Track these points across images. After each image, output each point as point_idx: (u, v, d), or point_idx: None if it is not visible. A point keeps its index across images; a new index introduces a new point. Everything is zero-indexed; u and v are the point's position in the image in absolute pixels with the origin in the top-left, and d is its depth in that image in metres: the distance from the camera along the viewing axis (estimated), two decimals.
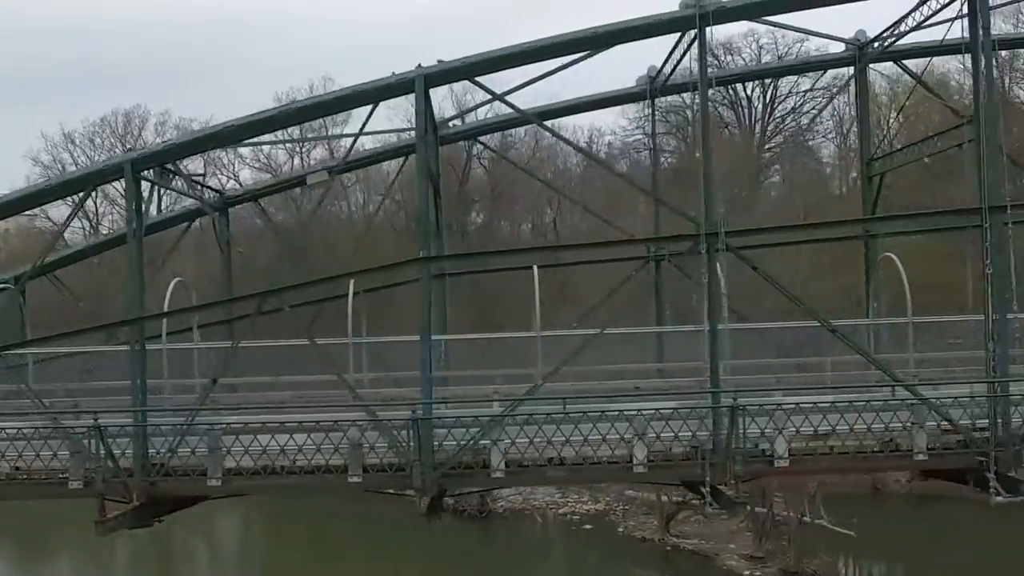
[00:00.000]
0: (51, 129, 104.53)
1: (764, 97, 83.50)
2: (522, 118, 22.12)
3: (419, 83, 16.14)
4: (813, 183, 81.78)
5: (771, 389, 17.55)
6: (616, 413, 16.41)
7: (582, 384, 18.50)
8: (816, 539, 43.66)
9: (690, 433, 16.45)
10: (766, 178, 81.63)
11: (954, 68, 46.77)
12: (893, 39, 21.22)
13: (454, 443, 16.75)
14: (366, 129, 16.97)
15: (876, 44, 21.82)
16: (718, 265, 16.70)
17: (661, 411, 16.26)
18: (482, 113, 39.29)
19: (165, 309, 19.34)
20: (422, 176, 16.62)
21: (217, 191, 23.63)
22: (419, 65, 16.31)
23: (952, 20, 17.66)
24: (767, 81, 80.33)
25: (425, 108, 16.38)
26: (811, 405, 16.47)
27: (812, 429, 16.53)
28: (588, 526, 47.12)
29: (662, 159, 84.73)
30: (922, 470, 17.75)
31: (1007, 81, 58.77)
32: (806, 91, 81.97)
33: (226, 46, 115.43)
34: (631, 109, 72.53)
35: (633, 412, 16.23)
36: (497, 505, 49.36)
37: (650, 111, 26.14)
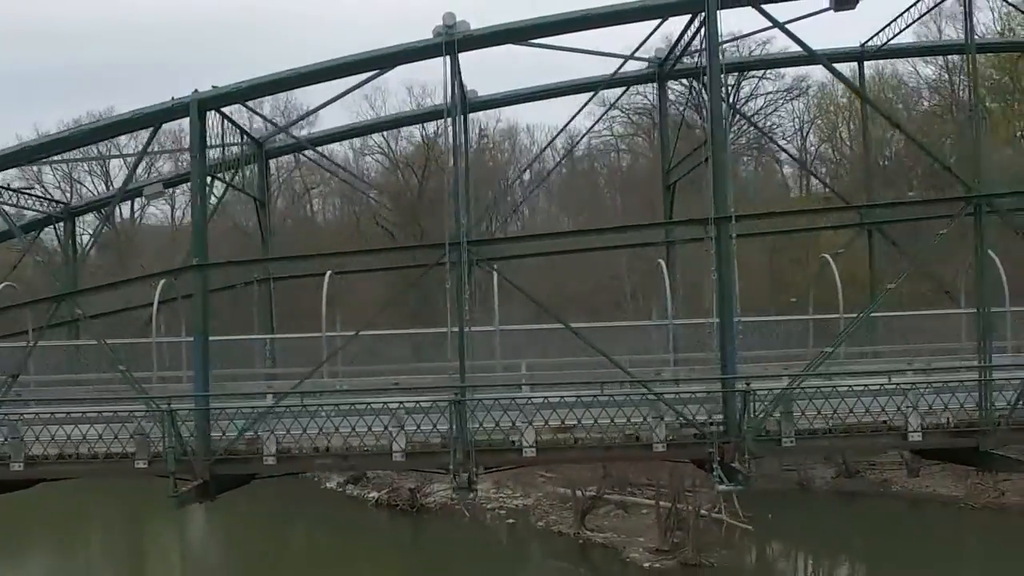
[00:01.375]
0: (26, 132, 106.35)
1: (728, 99, 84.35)
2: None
3: (193, 108, 17.76)
4: (777, 184, 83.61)
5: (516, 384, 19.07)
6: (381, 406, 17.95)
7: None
8: (732, 534, 45.23)
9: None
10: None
11: None
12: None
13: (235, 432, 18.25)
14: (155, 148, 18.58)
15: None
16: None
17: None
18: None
19: None
20: (200, 188, 18.05)
21: (61, 202, 25.24)
22: (195, 91, 17.92)
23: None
24: (731, 83, 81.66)
25: (201, 130, 17.93)
26: (558, 399, 17.97)
27: (559, 421, 18.02)
28: (511, 520, 48.66)
29: (624, 161, 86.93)
30: (662, 459, 19.12)
31: None
32: (767, 93, 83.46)
33: (225, 45, 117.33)
34: (598, 111, 74.40)
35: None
36: (429, 500, 50.91)
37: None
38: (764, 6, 18.15)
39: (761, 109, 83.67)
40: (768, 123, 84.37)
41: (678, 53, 21.98)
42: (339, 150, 75.70)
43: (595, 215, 72.47)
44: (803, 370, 18.50)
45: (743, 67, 41.19)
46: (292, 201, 74.54)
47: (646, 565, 41.19)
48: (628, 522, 46.03)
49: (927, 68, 66.84)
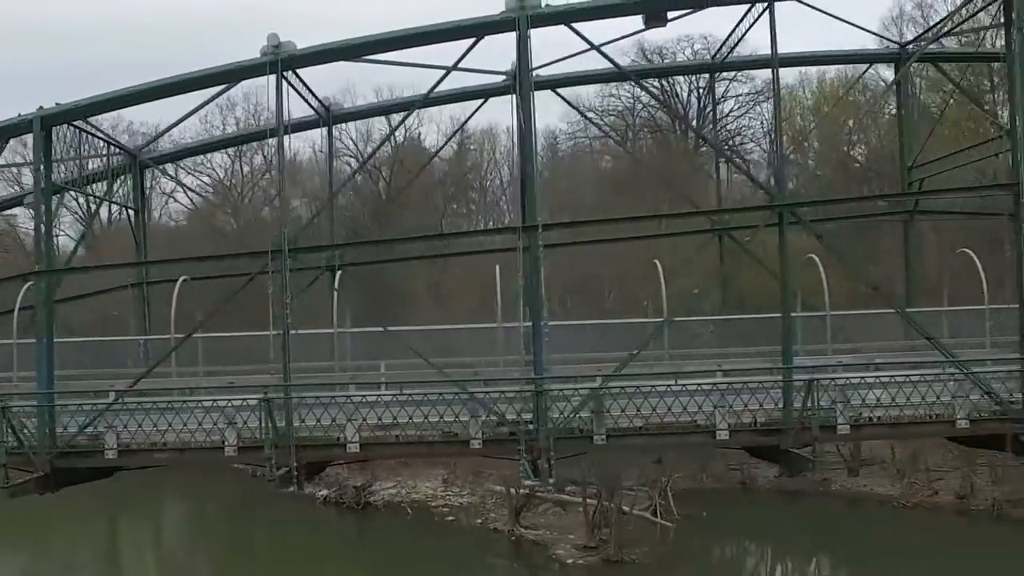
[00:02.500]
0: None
1: (699, 102, 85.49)
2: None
3: (36, 123, 18.91)
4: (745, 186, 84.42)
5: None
6: None
7: None
8: (667, 532, 46.14)
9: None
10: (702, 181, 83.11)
11: None
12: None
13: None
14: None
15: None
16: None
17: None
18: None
19: None
20: (45, 200, 19.21)
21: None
22: (40, 107, 19.06)
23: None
24: (702, 85, 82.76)
25: (46, 145, 19.07)
26: (376, 398, 19.04)
27: (378, 419, 19.09)
28: (451, 518, 49.70)
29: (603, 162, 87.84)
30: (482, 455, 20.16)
31: None
32: (737, 96, 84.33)
33: (225, 45, 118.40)
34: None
35: None
36: (375, 498, 52.05)
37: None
38: (575, 24, 19.17)
39: (731, 111, 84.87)
40: (738, 125, 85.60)
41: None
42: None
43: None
44: (614, 371, 19.44)
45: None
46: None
47: (569, 561, 42.18)
48: (564, 519, 46.93)
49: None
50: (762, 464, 55.31)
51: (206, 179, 78.21)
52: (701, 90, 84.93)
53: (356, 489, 51.58)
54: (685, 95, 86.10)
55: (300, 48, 19.19)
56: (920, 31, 22.67)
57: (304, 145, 75.58)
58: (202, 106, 21.02)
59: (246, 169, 79.19)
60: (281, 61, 18.88)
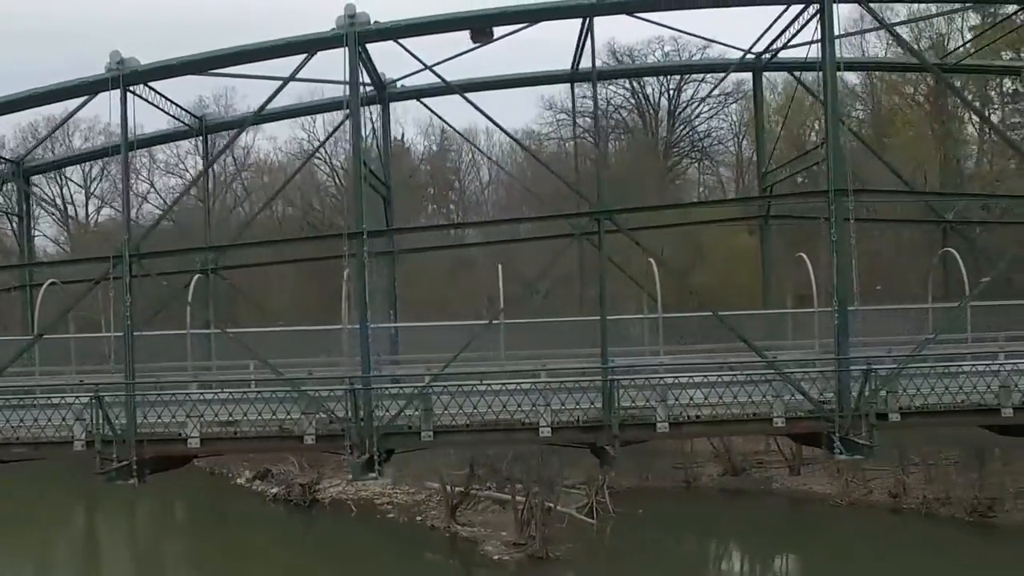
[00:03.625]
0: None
1: (669, 104, 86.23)
2: None
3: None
4: (713, 188, 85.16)
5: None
6: None
7: None
8: (604, 531, 47.12)
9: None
10: (671, 181, 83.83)
11: None
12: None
13: None
14: None
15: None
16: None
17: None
18: None
19: None
20: None
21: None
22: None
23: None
24: (671, 87, 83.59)
25: None
26: (213, 396, 20.04)
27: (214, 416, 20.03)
28: (392, 515, 50.73)
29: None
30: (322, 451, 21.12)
31: None
32: (703, 98, 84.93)
33: (225, 43, 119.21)
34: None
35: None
36: (322, 495, 53.13)
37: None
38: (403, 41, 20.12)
39: (700, 112, 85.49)
40: (707, 126, 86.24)
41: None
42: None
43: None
44: (442, 369, 20.31)
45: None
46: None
47: (495, 558, 43.15)
48: (500, 517, 47.83)
49: None
50: (707, 463, 56.50)
51: None
52: (671, 91, 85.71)
53: (302, 487, 52.61)
54: (656, 97, 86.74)
55: (145, 64, 20.15)
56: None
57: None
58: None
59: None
60: (124, 76, 19.87)
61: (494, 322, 21.24)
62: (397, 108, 25.68)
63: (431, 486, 50.48)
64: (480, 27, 20.32)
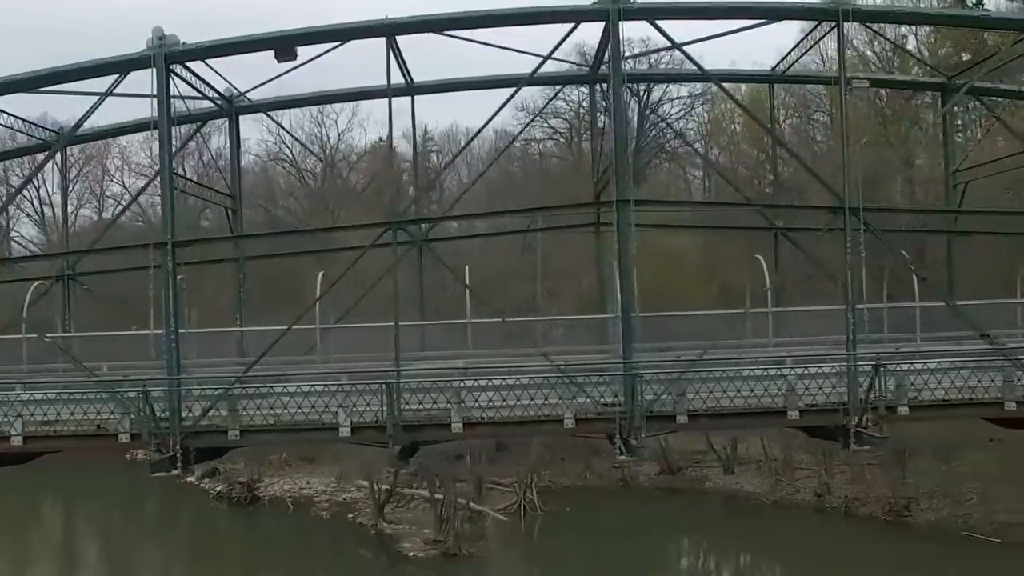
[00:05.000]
0: None
1: (640, 104, 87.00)
2: None
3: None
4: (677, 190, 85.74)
5: None
6: None
7: None
8: (531, 530, 48.06)
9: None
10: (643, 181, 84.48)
11: None
12: None
13: None
14: None
15: None
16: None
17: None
18: None
19: None
20: None
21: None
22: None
23: None
24: (642, 87, 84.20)
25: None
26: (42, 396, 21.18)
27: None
28: (325, 513, 51.89)
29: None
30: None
31: None
32: (673, 99, 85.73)
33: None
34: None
35: None
36: (263, 494, 54.39)
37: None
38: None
39: (671, 114, 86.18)
40: (678, 127, 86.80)
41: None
42: None
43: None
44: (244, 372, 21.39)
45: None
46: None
47: (411, 555, 44.17)
48: (429, 515, 48.80)
49: None
50: (643, 462, 57.23)
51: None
52: (641, 93, 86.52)
53: (241, 484, 53.88)
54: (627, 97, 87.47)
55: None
56: None
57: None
58: None
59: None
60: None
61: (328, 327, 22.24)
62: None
63: (360, 484, 51.58)
64: (283, 47, 21.33)
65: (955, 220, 26.28)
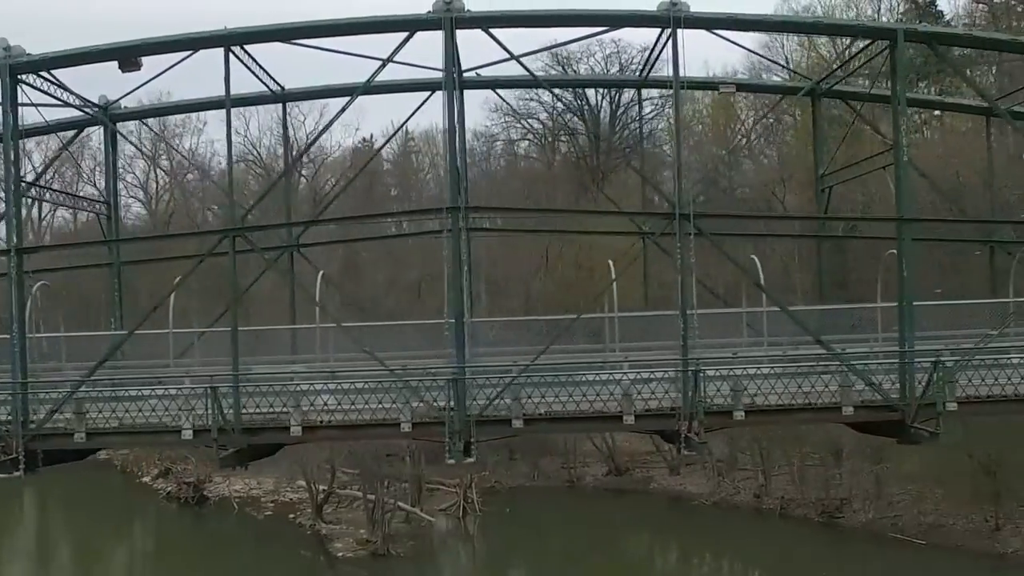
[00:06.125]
0: None
1: (611, 106, 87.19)
2: None
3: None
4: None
5: None
6: None
7: None
8: (472, 531, 48.42)
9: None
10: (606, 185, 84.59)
11: None
12: None
13: None
14: None
15: None
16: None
17: None
18: None
19: None
20: None
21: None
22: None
23: None
24: (612, 91, 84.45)
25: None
26: None
27: None
28: (269, 513, 52.41)
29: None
30: None
31: None
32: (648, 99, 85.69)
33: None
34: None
35: None
36: (211, 494, 54.95)
37: None
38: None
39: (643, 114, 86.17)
40: (648, 128, 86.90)
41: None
42: None
43: None
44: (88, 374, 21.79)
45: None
46: None
47: (340, 555, 44.64)
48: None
49: None
50: (592, 463, 57.66)
51: None
52: (613, 96, 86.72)
53: (187, 485, 54.47)
54: (598, 101, 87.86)
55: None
56: None
57: None
58: None
59: None
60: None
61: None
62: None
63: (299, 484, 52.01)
64: (126, 57, 21.73)
65: (823, 225, 26.46)
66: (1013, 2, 58.73)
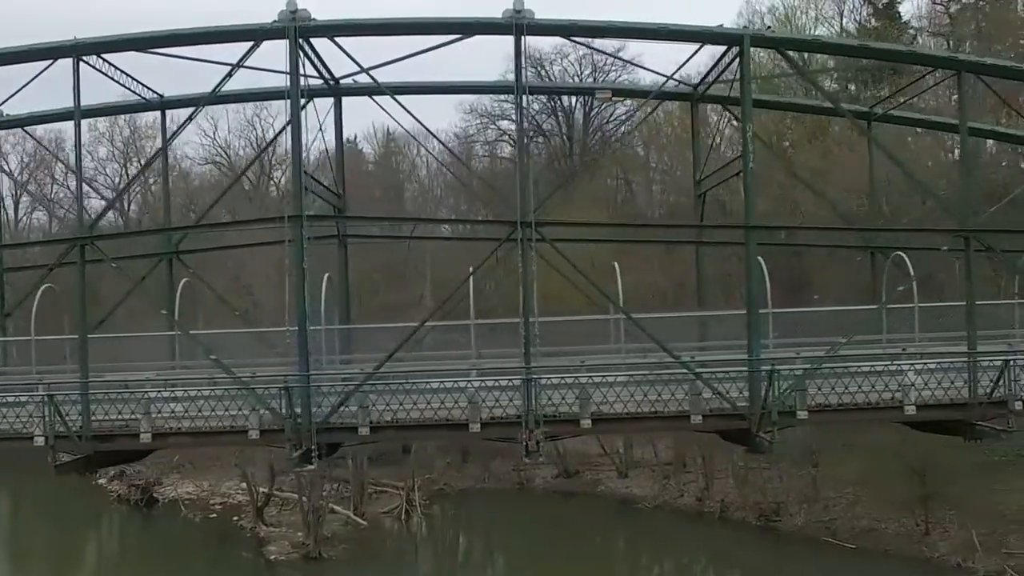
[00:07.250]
0: None
1: (584, 108, 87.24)
2: None
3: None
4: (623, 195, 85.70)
5: None
6: None
7: None
8: (411, 529, 48.52)
9: None
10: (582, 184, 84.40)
11: None
12: None
13: None
14: None
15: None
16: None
17: None
18: None
19: None
20: None
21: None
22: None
23: None
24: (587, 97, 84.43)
25: None
26: None
27: None
28: (214, 515, 52.60)
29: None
30: None
31: None
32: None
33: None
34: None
35: None
36: (160, 496, 55.25)
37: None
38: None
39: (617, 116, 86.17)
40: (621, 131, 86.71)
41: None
42: None
43: None
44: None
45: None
46: None
47: (272, 558, 44.76)
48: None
49: None
50: (543, 466, 57.59)
51: None
52: (586, 100, 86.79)
53: (135, 487, 54.76)
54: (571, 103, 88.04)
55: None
56: None
57: None
58: None
59: None
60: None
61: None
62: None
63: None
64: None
65: (700, 232, 26.43)
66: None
